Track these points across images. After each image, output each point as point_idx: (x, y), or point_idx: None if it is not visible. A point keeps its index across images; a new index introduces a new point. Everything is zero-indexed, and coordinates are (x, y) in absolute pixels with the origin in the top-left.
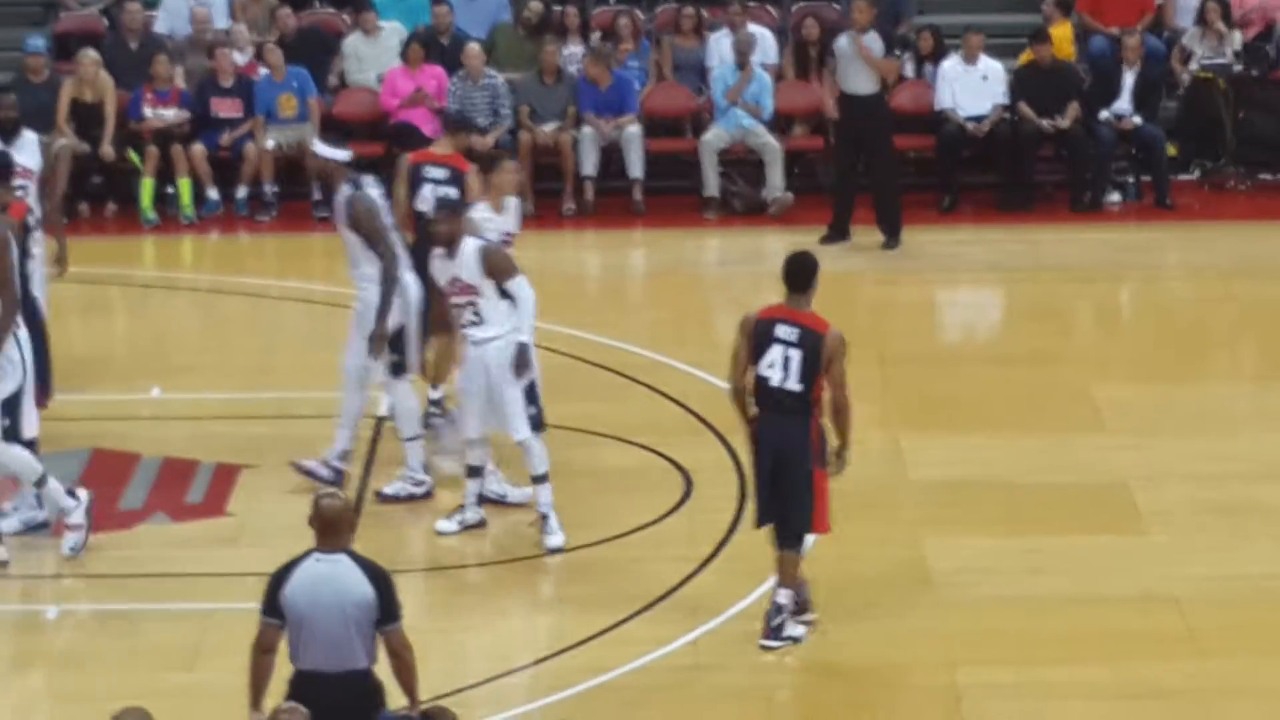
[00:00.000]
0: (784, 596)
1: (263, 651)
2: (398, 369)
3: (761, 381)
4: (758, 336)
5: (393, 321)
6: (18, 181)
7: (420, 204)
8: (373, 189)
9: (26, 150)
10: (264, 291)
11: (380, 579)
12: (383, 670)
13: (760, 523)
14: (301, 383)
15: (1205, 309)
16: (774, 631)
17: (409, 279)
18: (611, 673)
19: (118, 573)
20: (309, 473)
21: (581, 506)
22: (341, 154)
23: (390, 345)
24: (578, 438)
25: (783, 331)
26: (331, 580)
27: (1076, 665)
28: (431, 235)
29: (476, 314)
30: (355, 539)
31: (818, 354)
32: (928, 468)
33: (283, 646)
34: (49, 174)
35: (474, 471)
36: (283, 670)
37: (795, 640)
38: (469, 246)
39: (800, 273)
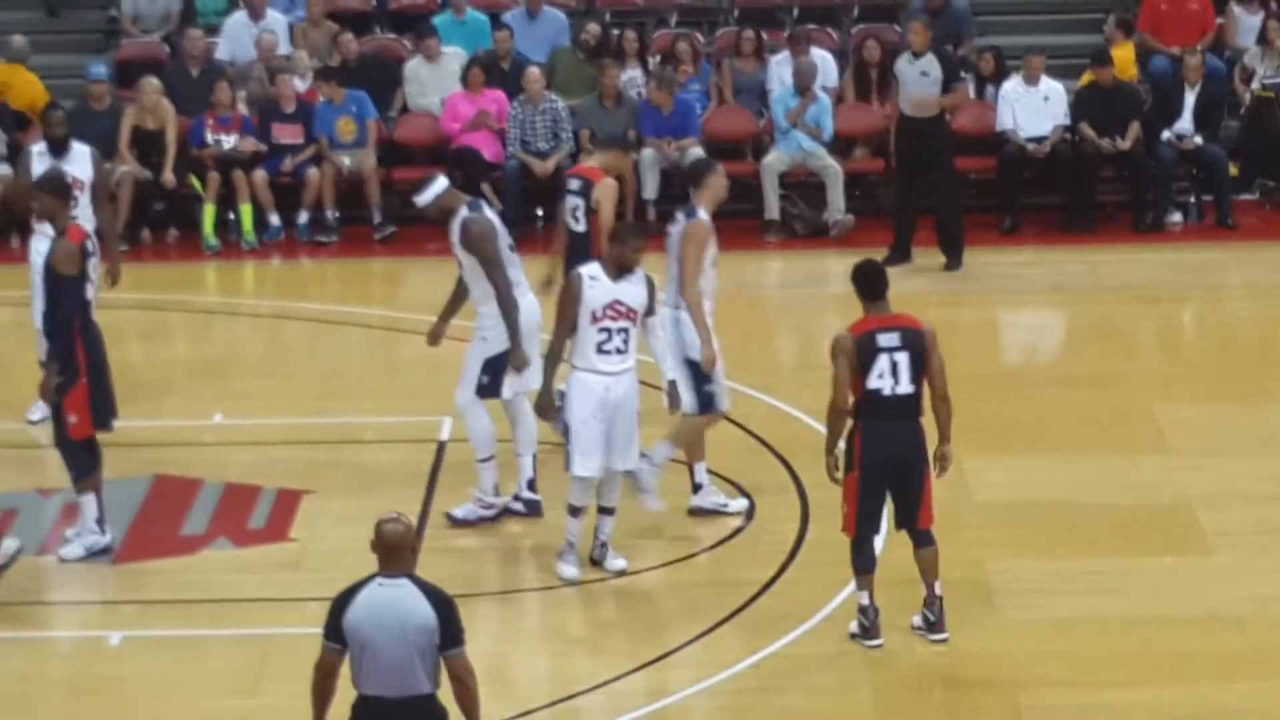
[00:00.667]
0: (939, 588)
1: (324, 676)
2: (486, 390)
3: (873, 394)
4: (861, 352)
5: (500, 345)
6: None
7: (565, 214)
8: (489, 211)
9: (78, 162)
10: (325, 317)
11: (443, 603)
12: (446, 696)
13: (864, 531)
14: (363, 408)
15: (1268, 329)
16: (934, 625)
17: (527, 301)
18: (675, 696)
19: (181, 598)
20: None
21: (646, 530)
22: (437, 186)
23: (487, 366)
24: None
25: (884, 340)
26: (394, 605)
27: (1140, 687)
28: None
29: (625, 343)
30: (418, 563)
31: (922, 351)
32: (991, 489)
33: (345, 671)
34: (102, 185)
35: (575, 512)
36: (345, 695)
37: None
38: (640, 274)
39: (877, 279)
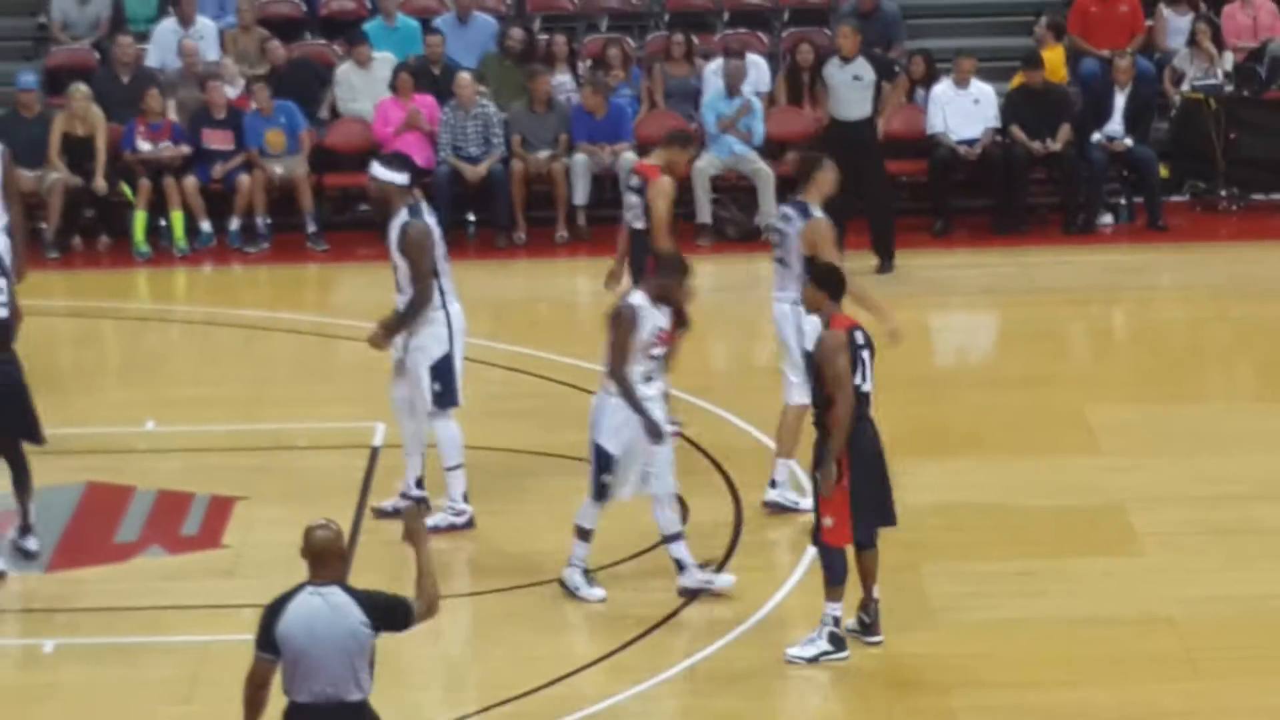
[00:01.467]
0: (876, 591)
1: (257, 686)
2: (442, 399)
3: (860, 393)
4: (853, 351)
5: (439, 350)
6: None
7: (625, 212)
8: (429, 217)
9: None
10: (257, 323)
11: (370, 602)
12: (378, 702)
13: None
14: (296, 414)
15: (1199, 330)
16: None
17: (456, 309)
18: (608, 699)
19: (114, 606)
20: (390, 513)
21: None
22: (399, 176)
23: (435, 374)
24: (577, 466)
25: (859, 337)
26: (325, 612)
27: (1075, 688)
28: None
29: (662, 368)
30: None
31: (873, 350)
32: (923, 492)
33: (277, 679)
34: (10, 183)
35: (586, 535)
36: (277, 703)
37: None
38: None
39: (844, 279)
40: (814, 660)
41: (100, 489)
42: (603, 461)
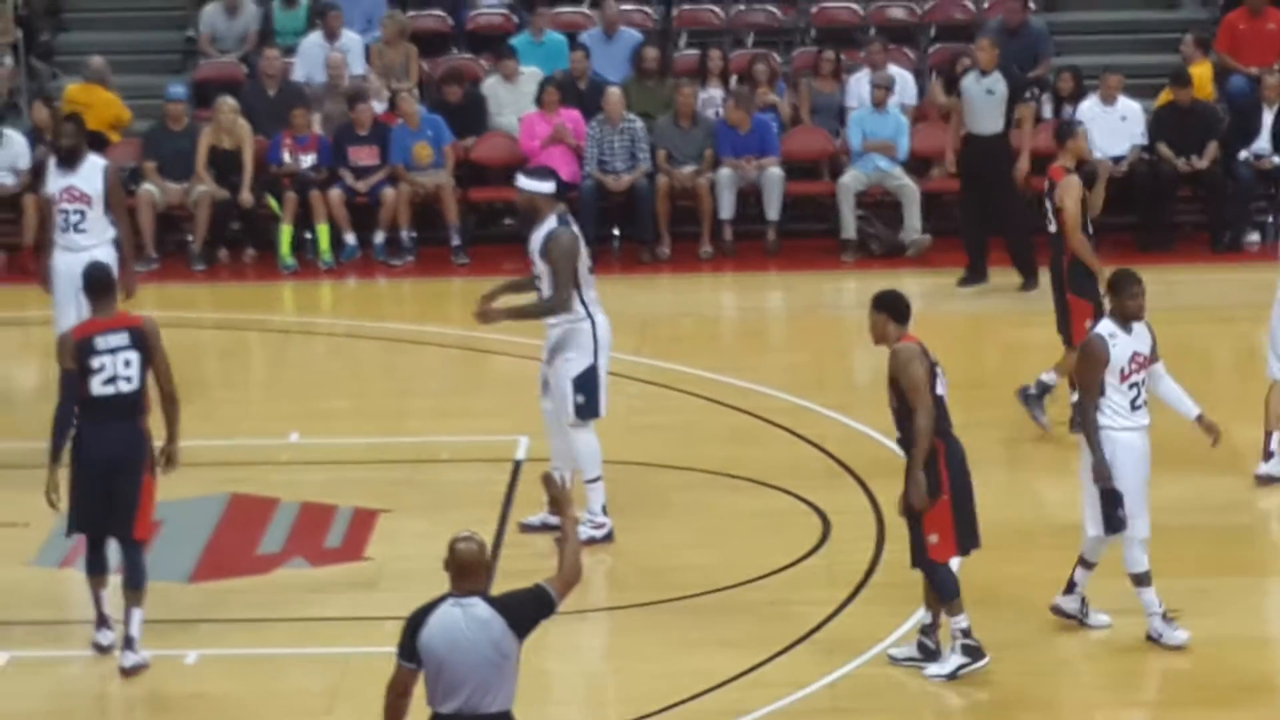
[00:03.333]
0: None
1: (398, 695)
2: (584, 411)
3: (940, 402)
4: (928, 361)
5: (585, 362)
6: (74, 206)
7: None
8: (575, 227)
9: (86, 176)
10: (402, 336)
11: (512, 609)
12: (520, 715)
13: (969, 550)
14: (438, 427)
15: None
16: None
17: (602, 321)
18: (750, 715)
19: (257, 617)
20: (537, 527)
21: (720, 549)
22: (545, 186)
23: (579, 386)
24: (717, 480)
25: (931, 354)
26: (468, 624)
27: (1218, 709)
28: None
29: (1144, 393)
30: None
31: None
32: (1066, 509)
33: (420, 691)
34: (115, 199)
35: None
36: (419, 715)
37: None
38: (1142, 326)
39: (908, 304)
40: (953, 675)
41: (244, 500)
42: (1109, 497)
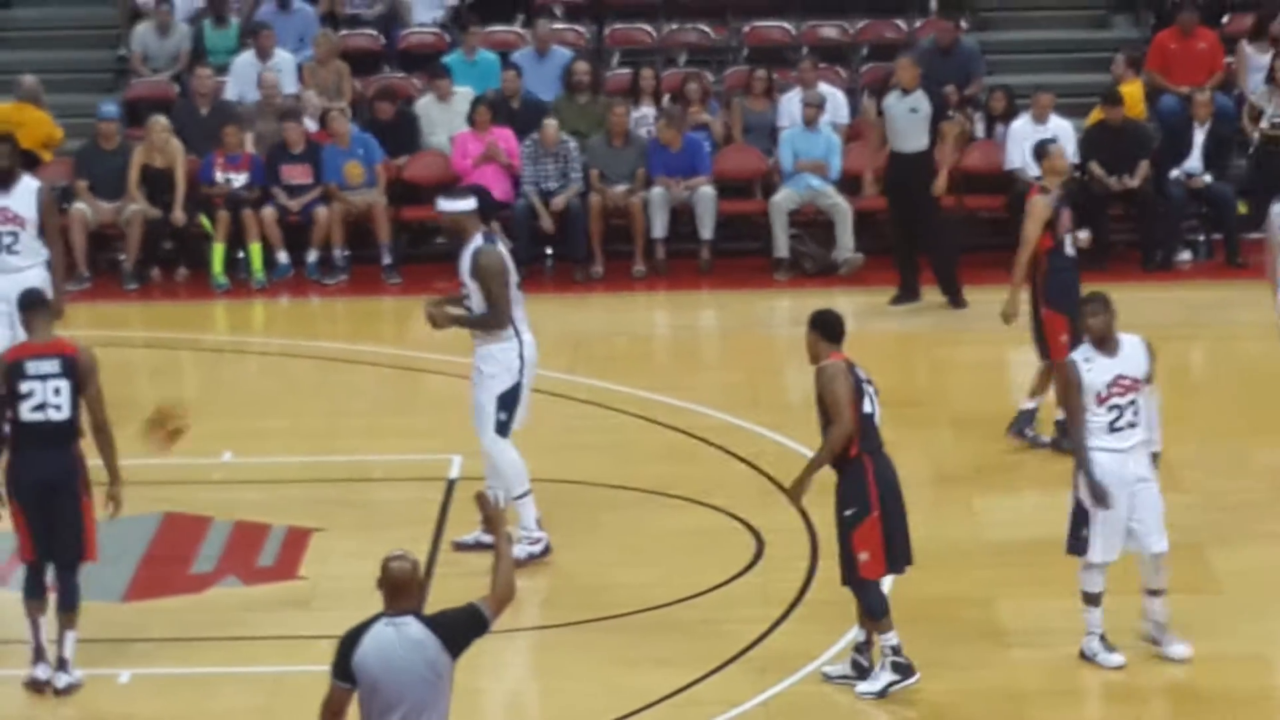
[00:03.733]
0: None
1: (332, 715)
2: (504, 427)
3: (869, 421)
4: (856, 381)
5: (509, 380)
6: (6, 227)
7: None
8: (502, 246)
9: (20, 198)
10: (335, 355)
11: (445, 627)
12: None
13: (903, 568)
14: (372, 446)
15: (1279, 366)
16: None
17: (529, 340)
18: None
19: (190, 636)
20: (471, 546)
21: (654, 567)
22: (466, 204)
23: (502, 403)
24: (651, 499)
25: (861, 373)
26: (401, 643)
27: None
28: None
29: (1136, 415)
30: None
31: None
32: (1000, 528)
33: (354, 710)
34: (49, 221)
35: (1095, 599)
36: None
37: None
38: (1133, 342)
39: (841, 324)
40: (883, 693)
41: (177, 519)
42: (1079, 517)
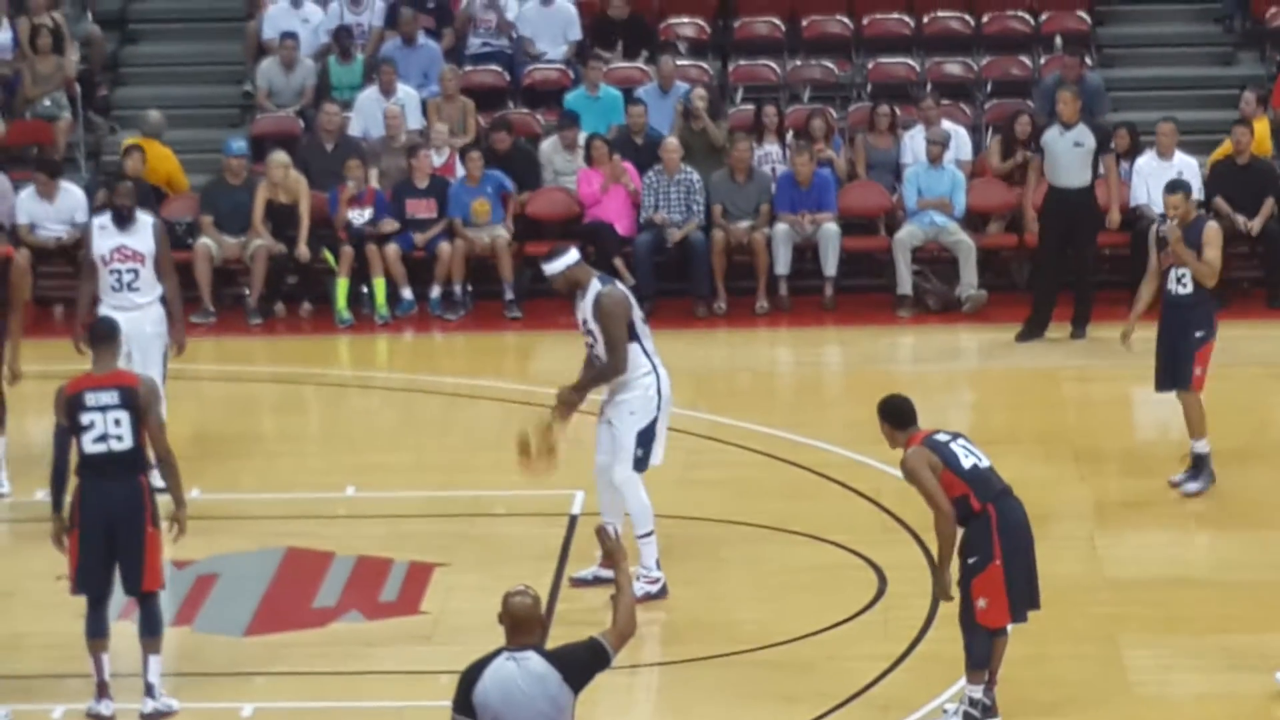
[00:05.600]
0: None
1: None
2: (641, 464)
3: (974, 472)
4: (940, 450)
5: (648, 417)
6: (127, 265)
7: None
8: (620, 285)
9: (139, 234)
10: (458, 390)
11: (566, 662)
12: None
13: (1025, 615)
14: (494, 481)
15: None
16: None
17: (664, 375)
18: None
19: (312, 670)
20: (590, 581)
21: (775, 603)
22: (569, 258)
23: (640, 439)
24: (772, 535)
25: (940, 437)
26: (522, 678)
27: None
28: None
29: None
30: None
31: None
32: (1123, 565)
33: None
34: (165, 257)
35: None
36: None
37: None
38: None
39: (907, 408)
40: None
41: (300, 554)
42: None
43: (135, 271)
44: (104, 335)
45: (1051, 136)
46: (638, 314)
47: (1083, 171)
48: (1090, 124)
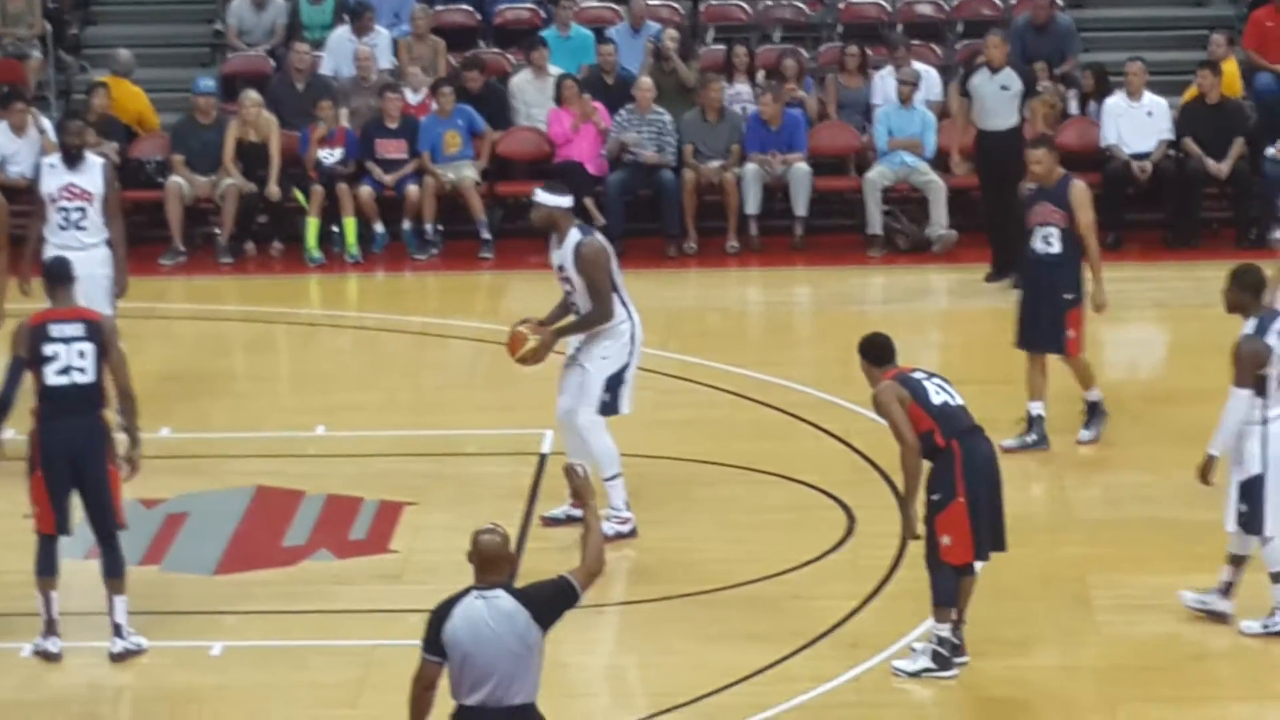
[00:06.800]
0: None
1: (424, 688)
2: (607, 408)
3: (944, 408)
4: (912, 386)
5: (620, 362)
6: (75, 204)
7: None
8: (599, 235)
9: (88, 174)
10: (428, 329)
11: (535, 599)
12: (545, 709)
13: (988, 555)
14: (465, 421)
15: None
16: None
17: (637, 321)
18: (773, 709)
19: (282, 609)
20: (561, 520)
21: (745, 543)
22: (563, 200)
23: (608, 384)
24: (742, 475)
25: (916, 374)
26: (491, 616)
27: (1237, 703)
28: None
29: None
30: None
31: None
32: (1091, 506)
33: (444, 683)
34: (112, 198)
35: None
36: (444, 705)
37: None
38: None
39: (886, 346)
40: (916, 676)
41: (270, 493)
42: (1249, 491)
43: (83, 210)
44: (61, 274)
45: (979, 80)
46: (614, 261)
47: (1009, 114)
48: (1018, 68)
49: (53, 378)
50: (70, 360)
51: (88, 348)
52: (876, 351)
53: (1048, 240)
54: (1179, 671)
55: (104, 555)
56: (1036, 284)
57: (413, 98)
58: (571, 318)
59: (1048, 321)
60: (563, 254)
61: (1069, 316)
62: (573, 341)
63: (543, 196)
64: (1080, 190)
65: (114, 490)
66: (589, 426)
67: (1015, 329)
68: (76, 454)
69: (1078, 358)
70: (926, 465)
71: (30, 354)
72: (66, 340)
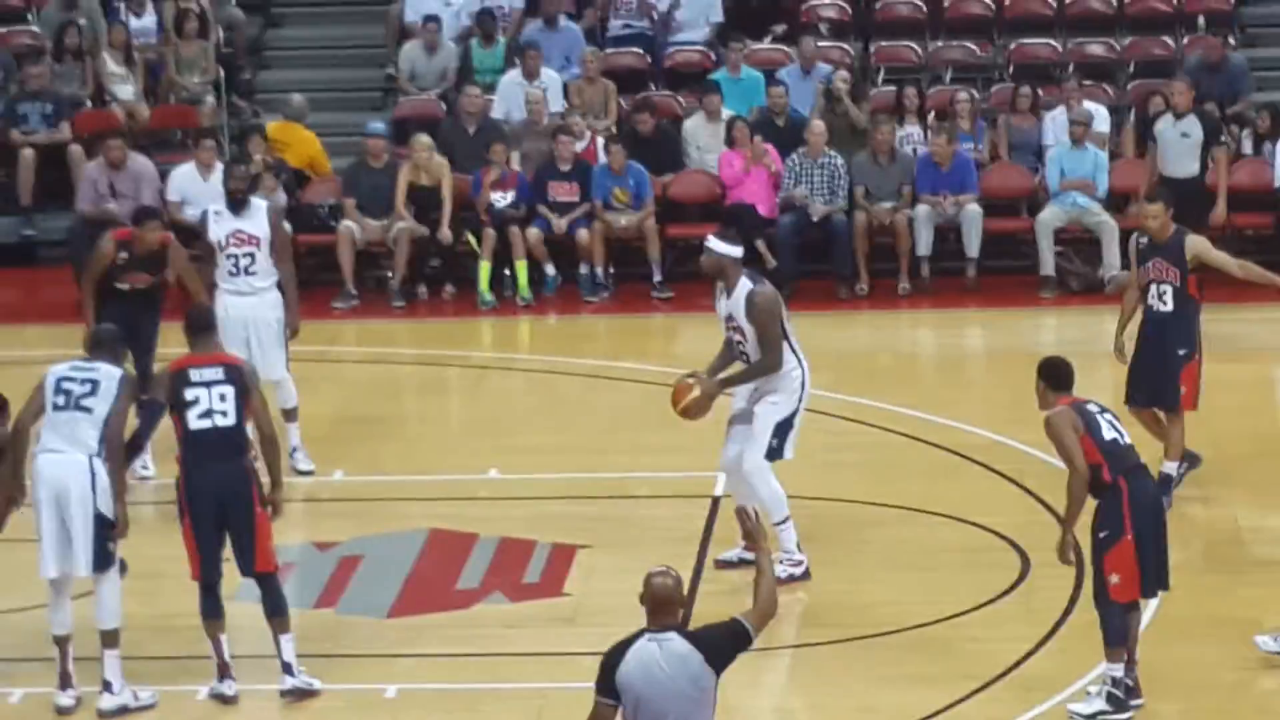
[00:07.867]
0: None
1: None
2: (774, 453)
3: (1113, 445)
4: (1086, 418)
5: (790, 408)
6: (243, 250)
7: None
8: (769, 284)
9: (254, 219)
10: (600, 372)
11: (708, 643)
12: None
13: (1155, 592)
14: (637, 463)
15: None
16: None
17: (807, 367)
18: None
19: (455, 652)
20: (734, 563)
21: (918, 585)
22: (735, 250)
23: (776, 430)
24: (914, 517)
25: (1091, 407)
26: (663, 659)
27: None
28: None
29: None
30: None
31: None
32: (1268, 545)
33: None
34: (280, 241)
35: None
36: None
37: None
38: None
39: (1066, 371)
40: (1091, 718)
41: (443, 536)
42: None
43: (251, 256)
44: (204, 323)
45: (1163, 126)
46: (784, 310)
47: (1191, 162)
48: (1201, 115)
49: (195, 422)
50: (211, 404)
51: (228, 391)
52: (1057, 375)
53: (1162, 298)
54: None
55: (264, 596)
56: (1149, 340)
57: (579, 144)
58: (739, 366)
59: (1161, 377)
60: (732, 303)
61: (1183, 373)
62: (742, 390)
63: (716, 244)
64: (1197, 243)
65: (262, 533)
66: (755, 471)
67: (1126, 386)
68: (223, 499)
69: (1178, 416)
70: (1091, 501)
71: (172, 399)
72: (207, 384)
